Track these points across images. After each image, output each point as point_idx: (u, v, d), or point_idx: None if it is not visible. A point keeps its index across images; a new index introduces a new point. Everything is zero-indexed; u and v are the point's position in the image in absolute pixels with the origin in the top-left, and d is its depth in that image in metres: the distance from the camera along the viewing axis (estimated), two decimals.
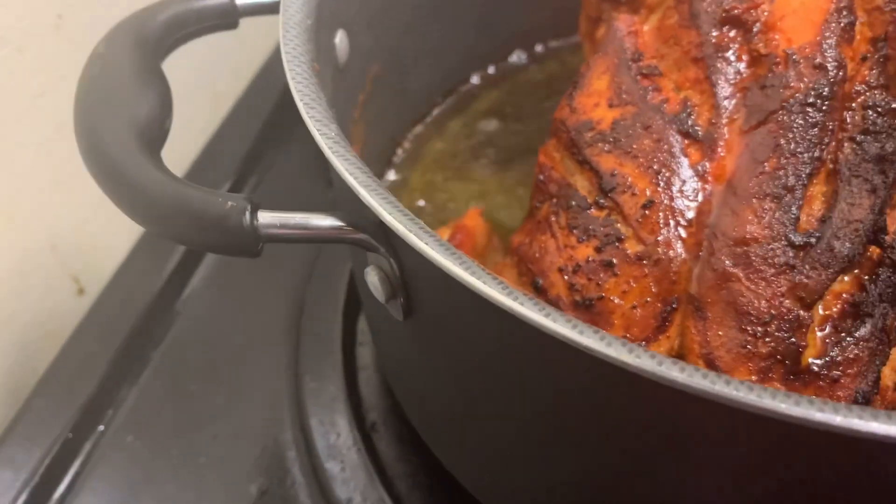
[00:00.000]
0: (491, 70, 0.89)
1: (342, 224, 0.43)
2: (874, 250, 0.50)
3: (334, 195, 0.55)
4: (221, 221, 0.42)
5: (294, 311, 0.75)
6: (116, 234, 0.81)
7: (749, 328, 0.47)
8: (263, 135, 0.91)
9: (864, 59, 0.53)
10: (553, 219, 0.54)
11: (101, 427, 0.69)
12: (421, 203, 0.78)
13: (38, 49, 0.72)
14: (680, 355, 0.50)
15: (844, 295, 0.49)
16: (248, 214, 0.42)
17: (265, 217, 0.43)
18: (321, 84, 0.51)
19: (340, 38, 0.62)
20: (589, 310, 0.50)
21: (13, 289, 0.73)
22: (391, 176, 0.80)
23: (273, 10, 0.57)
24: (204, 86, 0.93)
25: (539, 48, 0.90)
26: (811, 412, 0.32)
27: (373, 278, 0.46)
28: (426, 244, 0.38)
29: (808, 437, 0.34)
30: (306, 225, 0.43)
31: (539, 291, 0.52)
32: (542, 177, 0.57)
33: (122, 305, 0.75)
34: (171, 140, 0.48)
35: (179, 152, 0.88)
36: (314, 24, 0.54)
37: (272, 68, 0.99)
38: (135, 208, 0.43)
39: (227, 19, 0.57)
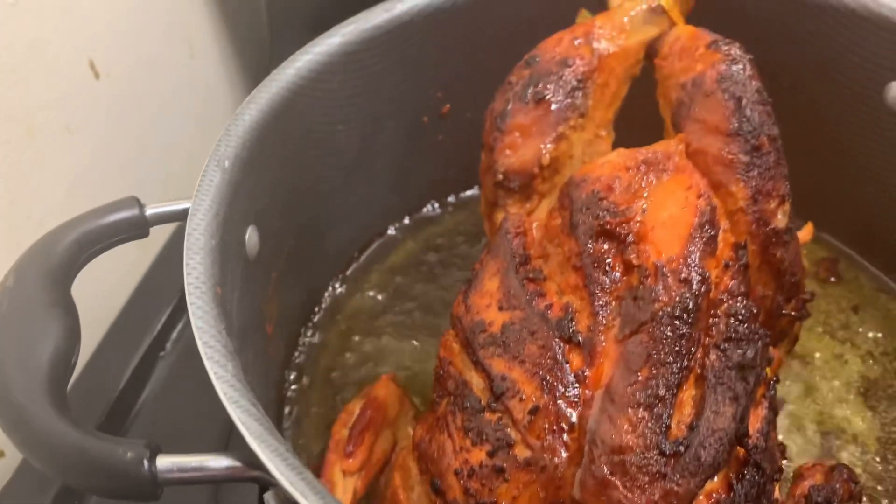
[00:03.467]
0: (406, 221, 0.93)
1: (238, 464, 0.46)
2: (741, 449, 0.54)
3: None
4: (121, 471, 0.44)
5: None
6: None
7: None
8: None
9: (726, 266, 0.58)
10: (450, 418, 0.57)
11: None
12: (340, 363, 0.81)
13: None
14: None
15: (714, 495, 0.53)
16: (146, 462, 0.45)
17: (163, 462, 0.45)
18: (225, 302, 0.54)
19: (250, 234, 0.65)
20: None
21: None
22: (310, 336, 0.83)
23: (182, 217, 0.60)
24: None
25: (451, 199, 0.94)
26: None
27: None
28: None
29: None
30: (203, 467, 0.46)
31: (438, 492, 0.55)
32: (441, 371, 0.60)
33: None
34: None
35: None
36: (221, 237, 0.57)
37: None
38: (40, 459, 0.45)
39: (138, 230, 0.60)
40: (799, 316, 0.67)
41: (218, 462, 0.46)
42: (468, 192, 0.95)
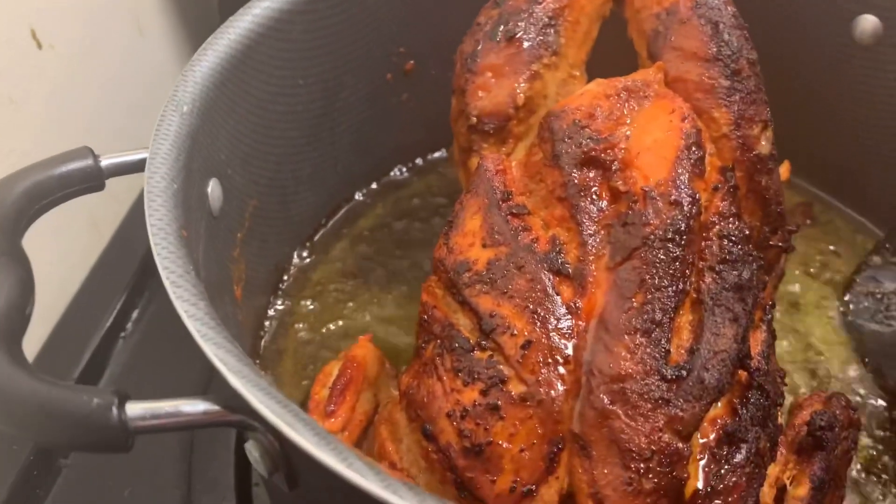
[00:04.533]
0: (374, 186, 0.90)
1: (216, 408, 0.43)
2: (742, 374, 0.52)
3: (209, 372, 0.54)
4: (87, 420, 0.40)
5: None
6: None
7: (632, 465, 0.48)
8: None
9: (715, 188, 0.56)
10: (438, 361, 0.54)
11: None
12: (311, 329, 0.78)
13: None
14: (570, 494, 0.51)
15: (719, 421, 0.51)
16: (115, 409, 0.41)
17: (133, 409, 0.41)
18: (191, 249, 0.50)
19: (213, 187, 0.61)
20: (479, 456, 0.50)
21: None
22: (279, 304, 0.79)
23: (139, 168, 0.56)
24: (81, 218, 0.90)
25: (419, 161, 0.92)
26: None
27: (254, 454, 0.45)
28: (303, 437, 0.37)
29: None
30: (178, 413, 0.42)
31: (429, 438, 0.52)
32: (425, 316, 0.57)
33: None
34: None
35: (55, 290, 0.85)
36: (183, 182, 0.54)
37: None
38: None
39: (92, 182, 0.56)
40: (785, 248, 0.65)
41: (194, 406, 0.42)
42: (435, 155, 0.92)
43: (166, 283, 0.45)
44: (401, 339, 0.77)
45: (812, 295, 0.79)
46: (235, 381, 0.40)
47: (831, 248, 0.83)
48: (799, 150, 0.85)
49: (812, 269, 0.82)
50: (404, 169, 0.91)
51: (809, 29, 0.80)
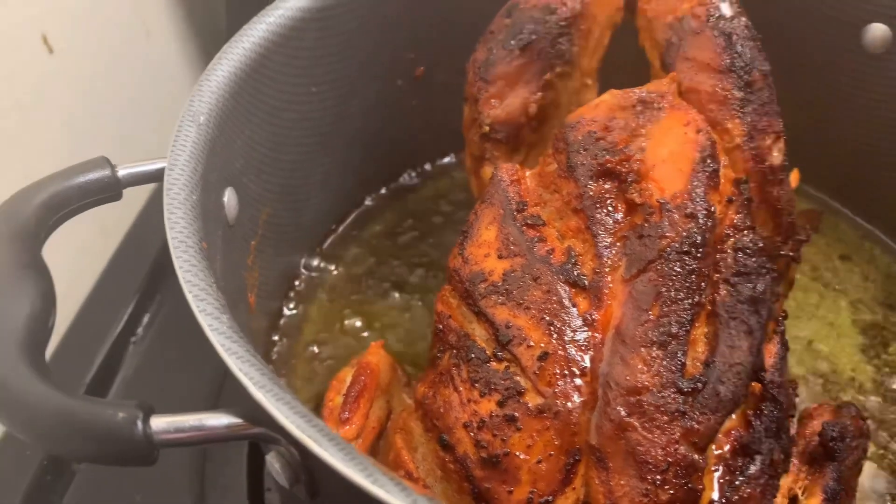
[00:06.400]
0: (383, 191, 0.90)
1: (239, 421, 0.43)
2: (756, 385, 0.52)
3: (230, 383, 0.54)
4: (112, 434, 0.41)
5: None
6: None
7: (649, 477, 0.49)
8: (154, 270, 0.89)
9: (730, 201, 0.56)
10: (455, 371, 0.54)
11: None
12: (323, 336, 0.78)
13: None
14: None
15: (733, 433, 0.51)
16: (139, 423, 0.41)
17: (158, 423, 0.42)
18: (212, 259, 0.51)
19: (229, 197, 0.61)
20: (496, 467, 0.51)
21: None
22: (291, 309, 0.80)
23: (157, 177, 0.57)
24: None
25: (427, 166, 0.92)
26: None
27: (275, 465, 0.45)
28: (329, 453, 0.37)
29: None
30: (201, 426, 0.42)
31: (446, 448, 0.53)
32: (440, 326, 0.57)
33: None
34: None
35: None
36: (201, 193, 0.54)
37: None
38: (20, 425, 0.42)
39: (110, 192, 0.56)
40: (795, 258, 0.66)
41: (217, 420, 0.43)
42: (444, 160, 0.93)
43: (189, 298, 0.45)
44: (410, 345, 0.78)
45: (818, 302, 0.80)
46: (260, 396, 0.40)
47: (838, 254, 0.84)
48: (807, 157, 0.85)
49: (819, 276, 0.82)
50: (413, 174, 0.92)
51: (819, 37, 0.80)
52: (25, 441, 0.42)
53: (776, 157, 0.61)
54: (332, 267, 0.83)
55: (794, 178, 0.75)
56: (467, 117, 0.69)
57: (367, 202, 0.89)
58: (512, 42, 0.67)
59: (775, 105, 0.62)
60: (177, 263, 0.47)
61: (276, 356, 0.76)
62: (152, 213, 0.95)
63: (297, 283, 0.81)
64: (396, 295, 0.82)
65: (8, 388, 0.42)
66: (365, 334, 0.78)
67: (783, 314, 0.57)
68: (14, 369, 0.42)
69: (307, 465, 0.45)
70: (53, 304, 0.47)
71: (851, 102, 0.81)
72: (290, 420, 0.39)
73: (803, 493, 0.55)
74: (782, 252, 0.64)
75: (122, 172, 0.56)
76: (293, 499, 0.61)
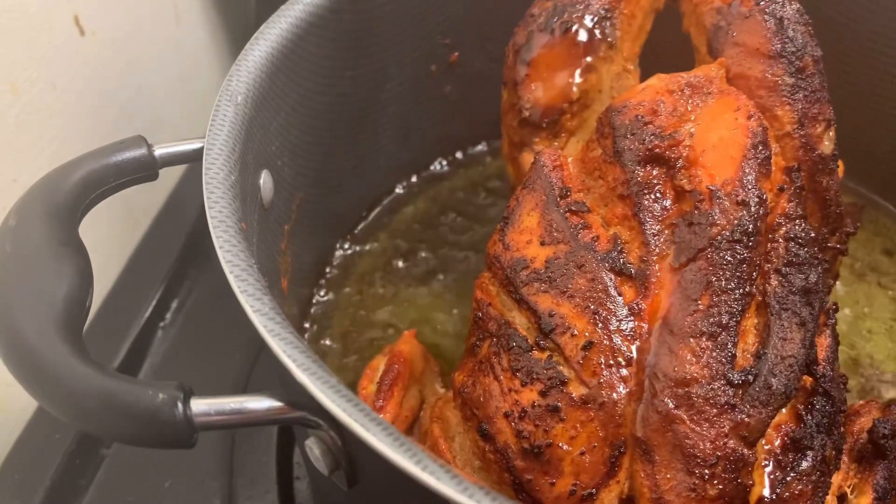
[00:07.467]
0: (414, 179, 0.89)
1: (279, 404, 0.42)
2: (807, 379, 0.51)
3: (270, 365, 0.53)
4: (152, 415, 0.40)
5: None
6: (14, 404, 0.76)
7: (696, 471, 0.47)
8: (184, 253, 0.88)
9: (781, 189, 0.54)
10: (495, 360, 0.53)
11: None
12: (353, 323, 0.77)
13: None
14: (630, 499, 0.50)
15: (784, 427, 0.50)
16: (180, 405, 0.40)
17: (198, 405, 0.41)
18: (249, 241, 0.50)
19: (265, 179, 0.60)
20: (538, 458, 0.49)
21: None
22: (323, 295, 0.79)
23: (194, 158, 0.56)
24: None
25: (459, 155, 0.91)
26: None
27: (315, 452, 0.44)
28: (376, 437, 0.36)
29: None
30: (242, 409, 0.41)
31: (486, 438, 0.51)
32: (479, 314, 0.56)
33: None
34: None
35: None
36: (239, 174, 0.53)
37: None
38: (58, 404, 0.41)
39: (146, 172, 0.55)
40: (842, 250, 0.64)
41: (258, 403, 0.42)
42: (477, 148, 0.91)
43: (230, 278, 0.44)
44: (442, 335, 0.76)
45: (858, 296, 0.78)
46: (305, 379, 0.39)
47: (880, 249, 0.82)
48: (850, 151, 0.83)
49: (860, 271, 0.80)
50: (444, 162, 0.90)
51: (860, 26, 0.78)
52: (63, 421, 0.41)
53: (826, 145, 0.60)
54: (363, 253, 0.82)
55: (840, 169, 0.74)
56: (505, 102, 0.68)
57: (398, 189, 0.88)
58: (554, 25, 0.65)
59: (826, 92, 0.60)
60: (217, 243, 0.46)
61: (308, 341, 0.75)
62: (181, 198, 0.94)
63: (327, 269, 0.80)
64: (426, 283, 0.80)
65: (47, 367, 0.41)
66: (396, 322, 0.77)
67: (834, 307, 0.56)
68: (53, 348, 0.41)
69: (349, 451, 0.44)
70: (91, 283, 0.47)
71: (892, 94, 0.79)
72: (336, 403, 0.38)
73: (852, 492, 0.53)
74: (829, 244, 0.63)
75: (158, 152, 0.55)
76: (325, 487, 0.60)
